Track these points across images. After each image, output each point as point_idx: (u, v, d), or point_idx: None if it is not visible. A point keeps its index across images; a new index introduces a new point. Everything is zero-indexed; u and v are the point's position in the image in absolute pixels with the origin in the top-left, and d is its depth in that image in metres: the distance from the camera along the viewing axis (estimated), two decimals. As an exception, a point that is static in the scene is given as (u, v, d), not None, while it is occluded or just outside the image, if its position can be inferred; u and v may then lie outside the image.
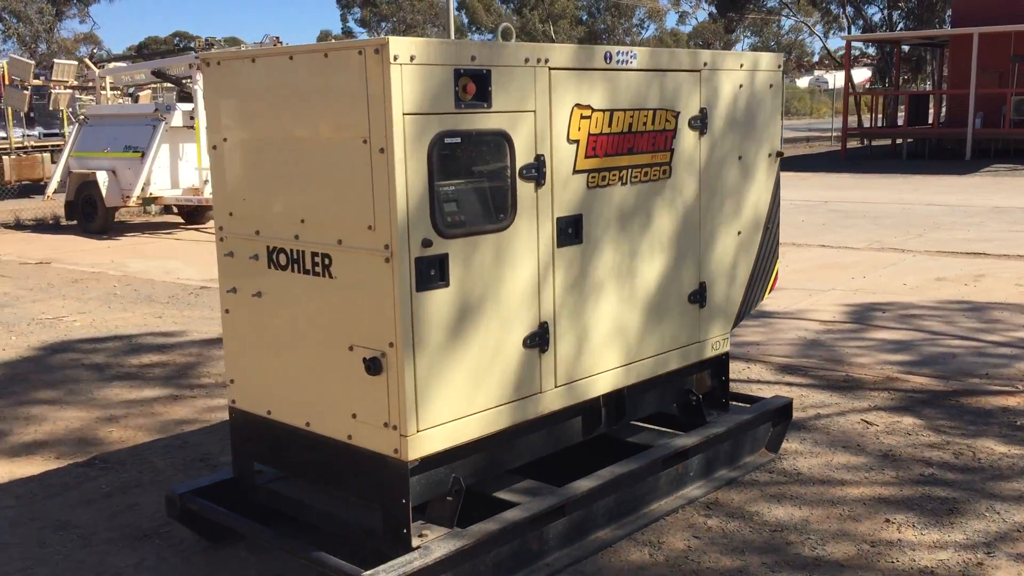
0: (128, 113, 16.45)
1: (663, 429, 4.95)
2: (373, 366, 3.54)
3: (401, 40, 3.35)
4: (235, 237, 4.05)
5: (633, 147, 4.30)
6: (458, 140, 3.60)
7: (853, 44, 36.83)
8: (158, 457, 5.44)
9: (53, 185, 16.41)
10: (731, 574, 3.95)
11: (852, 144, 29.83)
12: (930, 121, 30.09)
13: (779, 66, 5.09)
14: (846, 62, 30.65)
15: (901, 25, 45.47)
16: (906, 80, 43.93)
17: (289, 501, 4.15)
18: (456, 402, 3.70)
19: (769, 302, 8.74)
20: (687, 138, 4.55)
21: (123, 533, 4.49)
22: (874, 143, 29.97)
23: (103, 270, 12.13)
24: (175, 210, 16.85)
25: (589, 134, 4.09)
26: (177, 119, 15.31)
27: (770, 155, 5.08)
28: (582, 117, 4.05)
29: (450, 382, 3.67)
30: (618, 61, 4.17)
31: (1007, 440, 5.34)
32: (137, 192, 15.16)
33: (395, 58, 3.33)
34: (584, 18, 66.46)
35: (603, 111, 4.13)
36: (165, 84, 18.02)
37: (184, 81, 16.24)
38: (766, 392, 5.99)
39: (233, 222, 4.05)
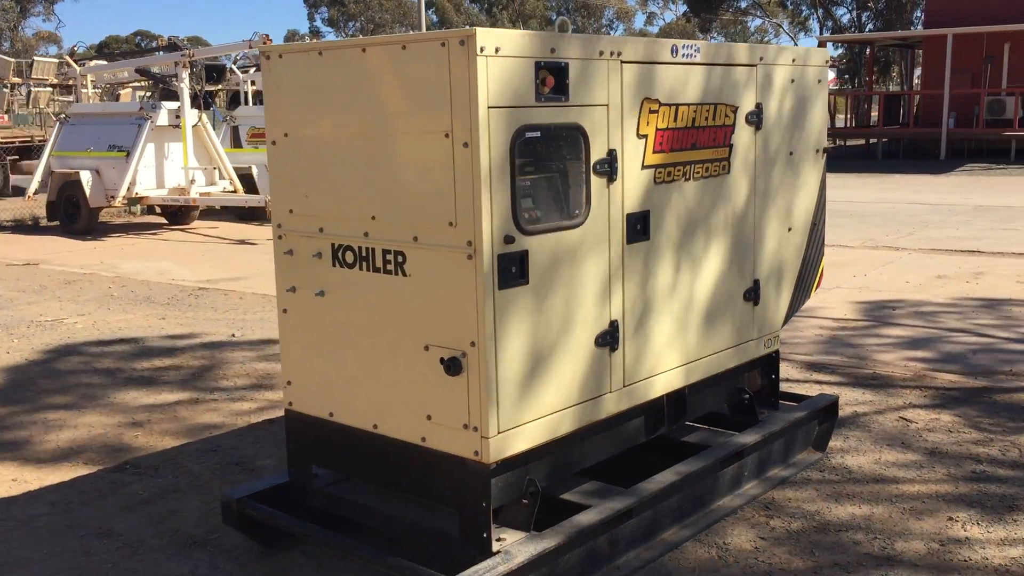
0: (112, 112, 16.17)
1: (715, 428, 4.89)
2: (453, 366, 3.45)
3: (488, 31, 3.27)
4: (295, 235, 3.94)
5: (696, 142, 4.24)
6: (537, 134, 3.52)
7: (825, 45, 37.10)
8: (192, 462, 5.30)
9: (34, 185, 16.07)
10: (806, 574, 3.90)
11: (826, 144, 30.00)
12: (904, 121, 30.39)
13: (827, 61, 5.06)
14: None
15: (870, 26, 45.93)
16: (875, 81, 44.37)
17: (350, 505, 4.04)
18: (533, 403, 3.61)
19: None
20: (744, 133, 4.50)
21: (170, 540, 4.35)
22: (848, 143, 30.21)
23: (94, 271, 11.89)
24: (158, 210, 16.58)
25: (656, 129, 4.02)
26: (163, 118, 15.07)
27: (817, 151, 5.05)
28: (650, 111, 3.98)
29: (528, 382, 3.58)
30: (683, 55, 4.11)
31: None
32: (123, 192, 14.90)
33: (481, 50, 3.24)
34: (554, 18, 66.53)
35: (669, 105, 4.07)
36: (145, 82, 17.72)
37: (169, 79, 15.98)
38: (798, 390, 5.96)
39: (294, 219, 3.93)
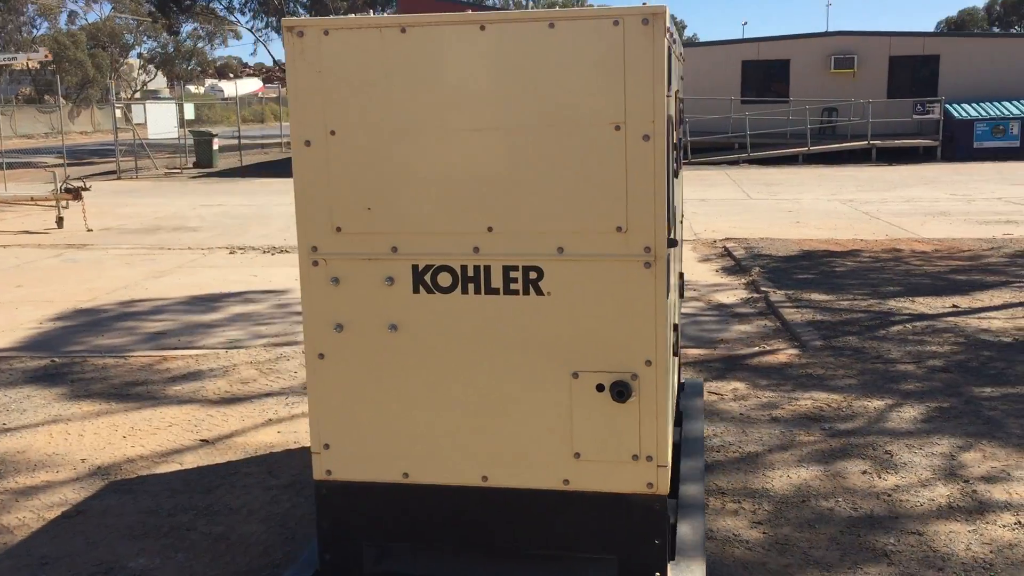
0: None
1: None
2: (623, 391, 3.02)
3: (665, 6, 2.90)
4: (346, 258, 3.13)
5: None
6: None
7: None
8: None
9: None
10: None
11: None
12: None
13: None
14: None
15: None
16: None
17: (421, 581, 3.34)
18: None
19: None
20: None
21: None
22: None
23: None
24: None
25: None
26: None
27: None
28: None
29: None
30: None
31: (831, 390, 6.14)
32: None
33: (668, 32, 2.89)
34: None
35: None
36: None
37: None
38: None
39: (343, 240, 3.13)
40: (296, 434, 5.55)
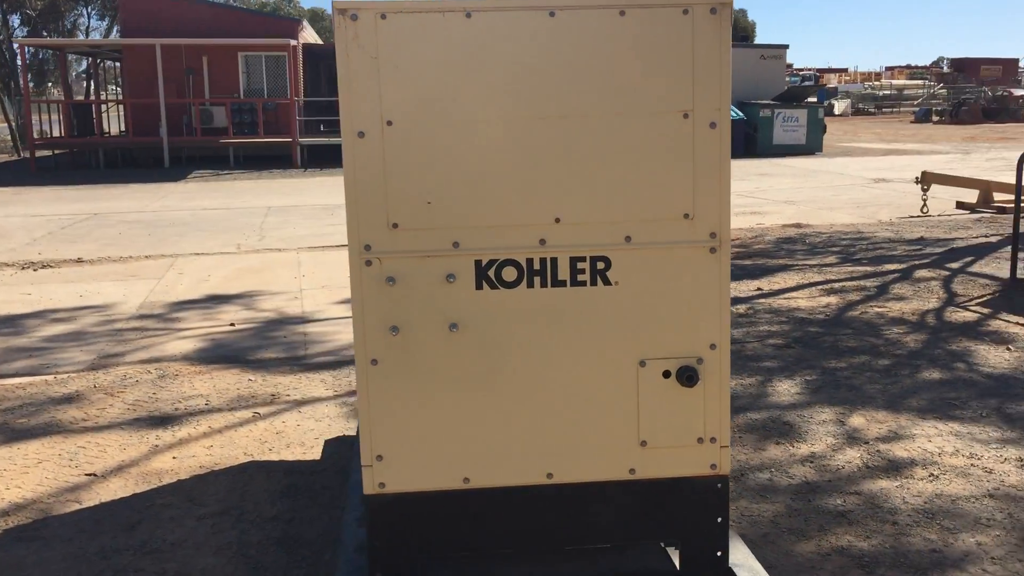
0: None
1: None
2: (692, 376, 3.07)
3: (731, -1, 2.98)
4: (403, 256, 2.96)
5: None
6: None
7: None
8: None
9: None
10: (800, 513, 4.33)
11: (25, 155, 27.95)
12: (100, 131, 29.79)
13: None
14: (23, 66, 28.50)
15: (23, 31, 43.45)
16: (33, 90, 42.19)
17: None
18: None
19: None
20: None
21: None
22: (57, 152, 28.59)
23: None
24: None
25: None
26: None
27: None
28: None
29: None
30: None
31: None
32: None
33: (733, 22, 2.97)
34: None
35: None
36: None
37: None
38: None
39: (400, 236, 2.95)
40: (194, 458, 5.11)
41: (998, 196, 14.82)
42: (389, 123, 2.89)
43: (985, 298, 8.72)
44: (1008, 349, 6.94)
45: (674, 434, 3.13)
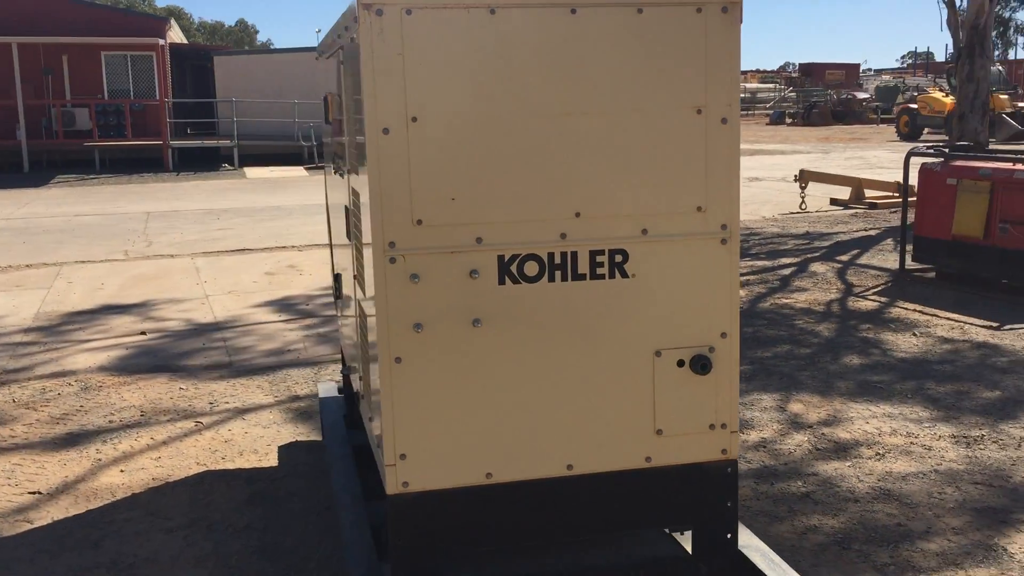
0: None
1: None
2: (705, 364, 3.16)
3: (740, -3, 3.07)
4: (426, 253, 2.94)
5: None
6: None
7: None
8: None
9: None
10: (767, 496, 4.49)
11: None
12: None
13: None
14: None
15: None
16: None
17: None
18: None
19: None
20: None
21: None
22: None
23: None
24: None
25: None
26: None
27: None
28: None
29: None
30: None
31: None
32: None
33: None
34: None
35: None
36: None
37: None
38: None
39: (424, 233, 2.93)
40: (144, 471, 4.92)
41: (869, 192, 15.64)
42: (414, 119, 2.87)
43: (879, 287, 9.20)
44: (914, 335, 7.35)
45: (688, 422, 3.21)
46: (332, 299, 5.57)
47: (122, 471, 4.93)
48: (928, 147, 10.31)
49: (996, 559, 3.87)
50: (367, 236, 3.01)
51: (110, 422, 5.66)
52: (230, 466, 4.97)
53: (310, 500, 4.52)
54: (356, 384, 3.97)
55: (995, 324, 7.59)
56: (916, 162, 9.75)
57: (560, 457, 3.13)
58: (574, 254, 3.04)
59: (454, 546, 3.12)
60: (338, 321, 4.93)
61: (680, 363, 3.16)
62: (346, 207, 3.73)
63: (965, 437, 5.18)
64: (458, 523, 3.10)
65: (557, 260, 3.03)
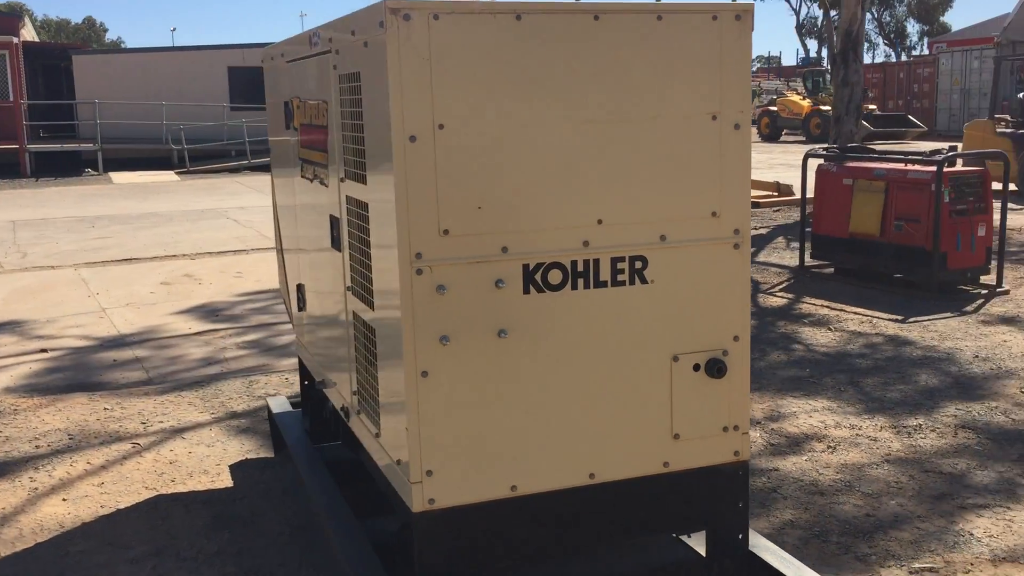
0: None
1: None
2: (720, 367, 3.19)
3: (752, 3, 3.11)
4: (453, 264, 2.86)
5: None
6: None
7: None
8: None
9: None
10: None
11: None
12: None
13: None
14: None
15: None
16: None
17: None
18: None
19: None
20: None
21: None
22: None
23: None
24: None
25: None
26: None
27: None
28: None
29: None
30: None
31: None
32: None
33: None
34: None
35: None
36: None
37: None
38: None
39: (450, 243, 2.85)
40: (89, 499, 4.63)
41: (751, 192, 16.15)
42: (441, 127, 2.79)
43: (783, 284, 9.52)
44: (830, 329, 7.63)
45: (703, 425, 3.23)
46: (285, 310, 5.38)
47: (64, 500, 4.62)
48: (824, 148, 10.72)
49: (966, 544, 4.04)
50: (381, 246, 2.92)
51: (37, 447, 5.31)
52: (182, 489, 4.73)
53: (278, 520, 4.34)
54: (338, 400, 3.83)
55: (900, 317, 7.95)
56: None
57: (582, 466, 3.10)
58: (596, 261, 3.02)
59: (479, 560, 3.05)
60: (298, 334, 4.75)
61: (696, 367, 3.17)
62: (332, 216, 3.60)
63: (905, 427, 5.40)
64: (483, 537, 3.04)
65: (580, 268, 3.00)
